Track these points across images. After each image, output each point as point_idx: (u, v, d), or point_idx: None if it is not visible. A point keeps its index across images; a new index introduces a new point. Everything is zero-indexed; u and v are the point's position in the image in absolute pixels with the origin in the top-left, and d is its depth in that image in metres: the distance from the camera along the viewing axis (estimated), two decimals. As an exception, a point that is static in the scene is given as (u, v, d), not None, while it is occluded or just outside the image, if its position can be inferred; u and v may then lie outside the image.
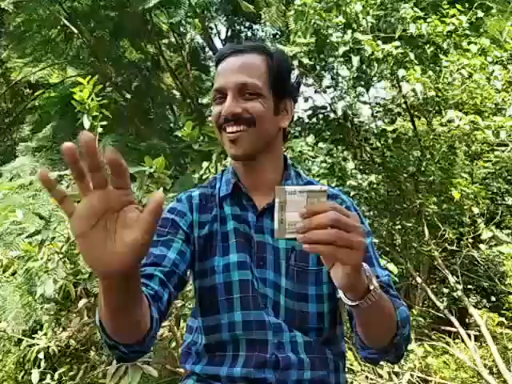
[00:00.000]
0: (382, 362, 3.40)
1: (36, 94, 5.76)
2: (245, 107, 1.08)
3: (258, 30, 6.37)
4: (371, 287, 0.83)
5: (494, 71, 3.33)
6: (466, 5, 3.60)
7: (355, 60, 3.34)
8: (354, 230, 0.75)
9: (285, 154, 1.24)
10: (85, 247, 0.62)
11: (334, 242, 0.73)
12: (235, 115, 1.07)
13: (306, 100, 4.23)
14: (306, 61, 3.51)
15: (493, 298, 5.10)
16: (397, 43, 3.33)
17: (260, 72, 1.11)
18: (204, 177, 2.67)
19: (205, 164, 2.72)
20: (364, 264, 0.82)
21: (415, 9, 3.50)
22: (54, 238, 2.56)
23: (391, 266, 2.86)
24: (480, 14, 3.56)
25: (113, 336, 0.84)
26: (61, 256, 2.59)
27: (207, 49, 6.71)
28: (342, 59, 3.58)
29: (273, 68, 1.12)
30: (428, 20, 3.45)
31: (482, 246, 4.01)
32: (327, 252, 0.74)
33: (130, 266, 0.63)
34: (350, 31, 3.39)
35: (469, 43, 3.46)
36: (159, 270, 1.00)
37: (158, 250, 1.06)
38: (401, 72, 3.33)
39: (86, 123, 2.44)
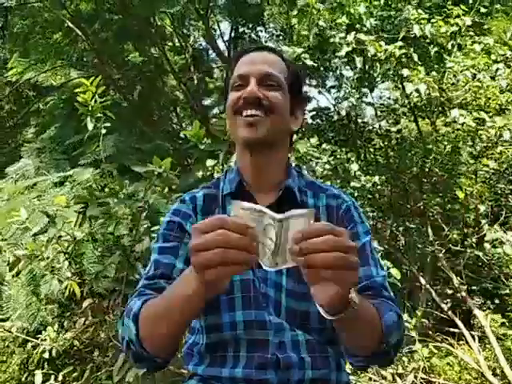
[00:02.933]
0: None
1: (40, 97, 5.77)
2: (266, 94, 1.10)
3: (261, 31, 6.37)
4: (351, 301, 0.83)
5: (498, 69, 3.33)
6: (470, 1, 3.61)
7: (358, 60, 3.34)
8: (350, 250, 0.75)
9: (289, 156, 1.25)
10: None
11: (332, 265, 0.74)
12: (256, 98, 1.09)
13: (309, 100, 4.23)
14: (309, 62, 3.51)
15: (497, 300, 5.08)
16: (399, 43, 3.33)
17: (282, 70, 1.15)
18: (208, 174, 2.67)
19: (209, 162, 2.71)
20: None
21: (419, 10, 3.51)
22: (60, 238, 2.57)
23: (394, 271, 2.85)
24: (483, 9, 3.57)
25: (153, 349, 0.94)
26: (66, 256, 2.60)
27: (210, 51, 6.73)
28: (345, 60, 3.59)
29: (292, 72, 1.17)
30: (432, 21, 3.45)
31: (487, 245, 4.00)
32: (328, 276, 0.75)
33: None
34: (353, 32, 3.40)
35: (473, 43, 3.46)
36: (170, 283, 1.01)
37: (166, 259, 1.08)
38: (405, 71, 3.33)
39: (90, 125, 2.45)
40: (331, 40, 3.42)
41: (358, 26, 3.49)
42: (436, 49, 3.49)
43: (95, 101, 2.41)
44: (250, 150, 1.14)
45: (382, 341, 0.95)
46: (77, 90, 2.43)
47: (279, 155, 1.17)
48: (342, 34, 3.40)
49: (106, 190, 2.44)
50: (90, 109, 2.40)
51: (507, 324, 3.95)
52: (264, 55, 1.16)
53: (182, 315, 0.89)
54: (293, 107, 1.16)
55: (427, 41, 3.50)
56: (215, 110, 6.81)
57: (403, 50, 3.32)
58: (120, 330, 1.01)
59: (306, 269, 0.75)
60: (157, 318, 0.92)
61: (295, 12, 3.62)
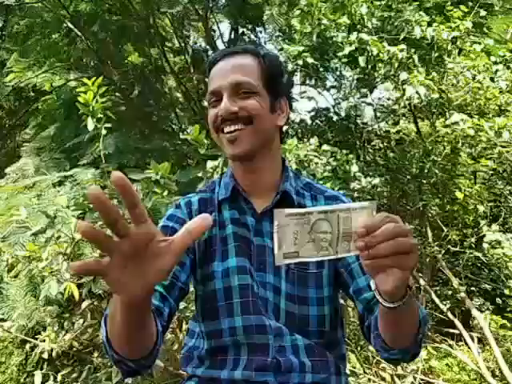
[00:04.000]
0: (384, 364, 3.37)
1: (39, 98, 5.76)
2: (241, 106, 1.08)
3: (260, 32, 6.37)
4: (410, 285, 0.83)
5: (497, 71, 3.33)
6: (470, 3, 3.61)
7: (361, 60, 3.33)
8: (408, 233, 0.75)
9: (283, 156, 1.24)
10: (116, 286, 0.65)
11: (396, 251, 0.74)
12: (232, 114, 1.07)
13: (309, 99, 4.22)
14: (310, 60, 3.50)
15: (496, 301, 5.08)
16: (402, 46, 3.32)
17: (253, 71, 1.12)
18: (208, 175, 2.66)
19: (210, 164, 2.71)
20: None
21: (420, 12, 3.51)
22: (58, 238, 2.57)
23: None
24: (483, 12, 3.57)
25: (120, 351, 0.86)
26: (65, 257, 2.60)
27: (210, 52, 6.72)
28: (345, 60, 3.58)
29: (265, 67, 1.13)
30: (433, 24, 3.45)
31: (486, 246, 4.00)
32: (392, 263, 0.75)
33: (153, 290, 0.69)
34: (355, 32, 3.40)
35: (472, 43, 3.47)
36: (160, 285, 1.01)
37: None
38: (403, 75, 3.33)
39: (90, 125, 2.45)
40: (333, 40, 3.42)
41: (359, 26, 3.49)
42: (437, 51, 3.48)
43: (96, 101, 2.40)
44: (240, 162, 1.14)
45: (419, 331, 0.94)
46: (78, 90, 2.43)
47: (271, 156, 1.17)
48: (344, 34, 3.40)
49: (106, 191, 2.44)
50: (90, 109, 2.40)
51: (508, 325, 3.95)
52: (232, 62, 1.12)
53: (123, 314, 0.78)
54: (273, 103, 1.14)
55: (427, 42, 3.50)
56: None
57: (405, 53, 3.31)
58: None
59: (370, 260, 0.76)
60: (111, 317, 0.85)
61: (297, 12, 3.62)
